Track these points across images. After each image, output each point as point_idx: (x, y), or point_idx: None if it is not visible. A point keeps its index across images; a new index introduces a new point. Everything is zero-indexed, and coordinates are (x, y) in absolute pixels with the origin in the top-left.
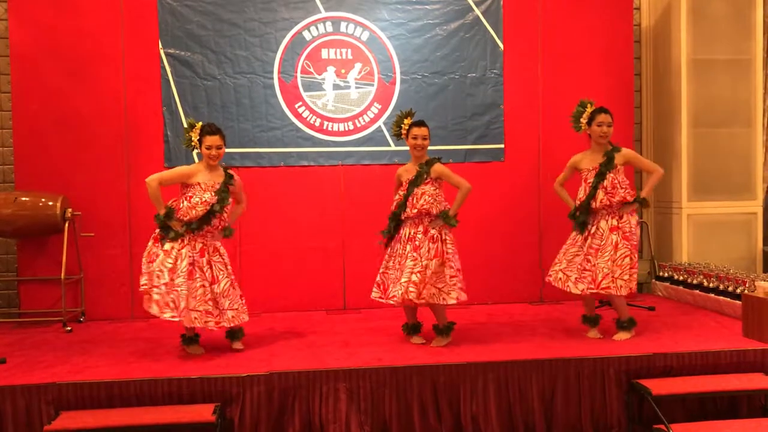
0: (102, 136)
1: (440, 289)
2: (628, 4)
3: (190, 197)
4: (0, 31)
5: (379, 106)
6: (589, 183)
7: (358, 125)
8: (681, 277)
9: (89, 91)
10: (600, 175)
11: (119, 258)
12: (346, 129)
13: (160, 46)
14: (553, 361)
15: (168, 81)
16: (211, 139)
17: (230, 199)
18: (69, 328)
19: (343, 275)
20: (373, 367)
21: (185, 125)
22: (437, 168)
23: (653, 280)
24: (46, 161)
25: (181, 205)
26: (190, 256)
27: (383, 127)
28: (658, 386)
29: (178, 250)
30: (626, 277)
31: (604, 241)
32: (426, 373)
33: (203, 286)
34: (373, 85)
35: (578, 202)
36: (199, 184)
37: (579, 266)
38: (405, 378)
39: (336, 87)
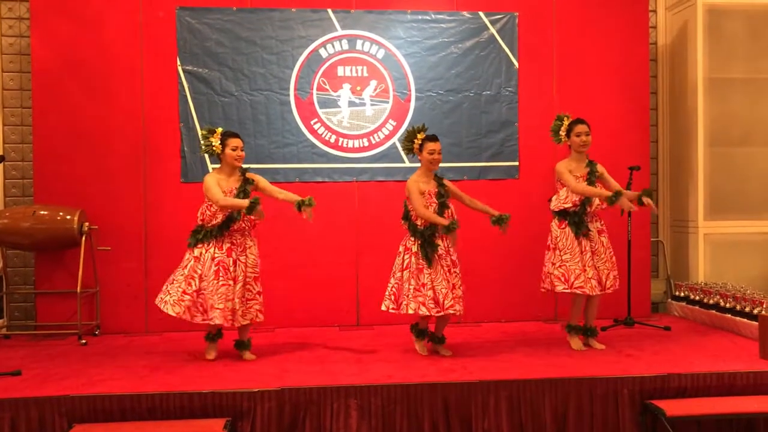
0: (120, 151)
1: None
2: (644, 22)
3: (210, 205)
4: (22, 48)
5: (394, 123)
6: None
7: (373, 142)
8: (697, 297)
9: (108, 107)
10: (591, 183)
11: (135, 272)
12: (361, 146)
13: (178, 62)
14: (566, 380)
15: (185, 97)
16: (235, 141)
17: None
18: (84, 341)
19: (356, 291)
20: (385, 384)
21: (202, 132)
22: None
23: (669, 300)
24: (64, 175)
25: (206, 211)
26: (216, 258)
27: (398, 144)
28: (673, 407)
29: (204, 254)
30: (616, 272)
31: (597, 245)
32: (437, 390)
33: (226, 284)
34: (388, 102)
35: (564, 206)
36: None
37: (593, 270)
38: (416, 395)
39: (351, 104)
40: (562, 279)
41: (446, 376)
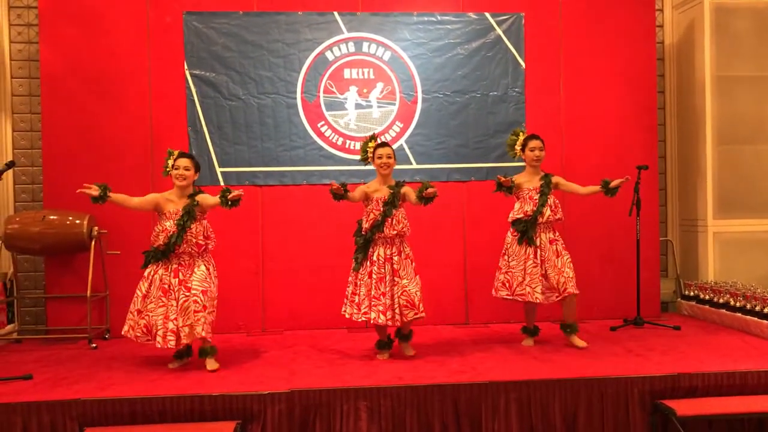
0: (128, 155)
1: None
2: (651, 21)
3: (157, 226)
4: (31, 54)
5: (401, 125)
6: (535, 200)
7: None
8: (707, 296)
9: (116, 112)
10: (544, 195)
11: None
12: None
13: (186, 67)
14: (576, 380)
15: (193, 101)
16: (180, 161)
17: (196, 222)
18: (94, 345)
19: None
20: (394, 386)
21: (168, 152)
22: (408, 189)
23: (679, 299)
24: (73, 180)
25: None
26: (163, 279)
27: (405, 146)
28: (683, 407)
29: (152, 275)
30: (574, 277)
31: (548, 254)
32: (447, 392)
33: (166, 306)
34: (394, 104)
35: (517, 217)
36: (165, 213)
37: (539, 278)
38: (426, 397)
39: (358, 106)
40: (507, 285)
41: (456, 378)
